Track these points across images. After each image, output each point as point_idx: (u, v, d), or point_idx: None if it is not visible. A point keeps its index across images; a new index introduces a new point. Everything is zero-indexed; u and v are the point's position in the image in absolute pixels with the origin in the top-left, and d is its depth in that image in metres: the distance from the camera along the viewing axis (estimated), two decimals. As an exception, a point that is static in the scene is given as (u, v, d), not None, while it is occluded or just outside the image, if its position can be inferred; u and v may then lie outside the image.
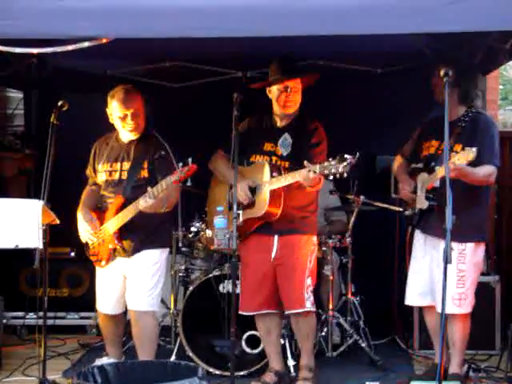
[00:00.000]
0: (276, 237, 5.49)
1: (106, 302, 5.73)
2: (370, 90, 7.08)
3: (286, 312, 5.64)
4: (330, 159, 4.89)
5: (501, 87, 14.94)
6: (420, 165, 5.51)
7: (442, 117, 5.40)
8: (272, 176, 5.33)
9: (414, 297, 5.61)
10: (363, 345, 6.27)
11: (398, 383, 5.54)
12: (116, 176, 5.61)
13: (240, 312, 5.58)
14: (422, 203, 5.34)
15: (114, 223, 5.51)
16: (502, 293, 6.49)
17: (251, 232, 5.54)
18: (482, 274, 6.33)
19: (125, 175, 5.58)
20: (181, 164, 5.13)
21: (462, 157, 4.78)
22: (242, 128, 5.63)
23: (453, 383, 5.14)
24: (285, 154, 5.49)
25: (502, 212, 7.41)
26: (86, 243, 5.70)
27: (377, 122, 6.94)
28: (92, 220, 5.63)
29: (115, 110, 5.52)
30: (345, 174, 4.84)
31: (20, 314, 7.00)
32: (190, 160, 5.09)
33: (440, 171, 5.03)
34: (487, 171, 5.17)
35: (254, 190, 5.44)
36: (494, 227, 7.45)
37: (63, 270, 7.07)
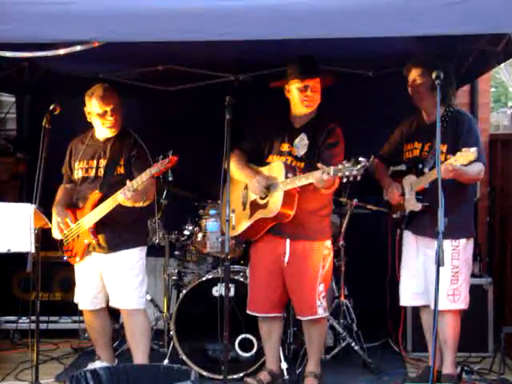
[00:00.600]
0: (288, 241, 5.51)
1: (84, 297, 5.80)
2: (362, 93, 7.09)
3: (297, 317, 5.67)
4: (344, 162, 4.91)
5: (493, 90, 15.00)
6: (402, 167, 5.56)
7: (421, 119, 5.51)
8: (287, 177, 5.33)
9: (408, 297, 5.65)
10: (356, 348, 6.27)
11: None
12: (92, 173, 5.68)
13: (248, 312, 5.67)
14: (414, 205, 5.37)
15: (90, 218, 5.56)
16: (495, 295, 6.51)
17: (262, 234, 5.57)
18: (475, 276, 6.39)
19: (101, 172, 5.65)
20: (161, 156, 5.16)
21: (461, 157, 4.85)
22: (258, 128, 5.70)
23: (446, 385, 5.16)
24: (300, 155, 5.50)
25: (494, 214, 7.42)
26: (61, 240, 5.74)
27: (369, 125, 6.94)
28: (67, 215, 5.68)
29: (95, 107, 5.59)
30: (358, 177, 4.87)
31: (13, 318, 6.98)
32: (170, 152, 5.12)
33: (434, 173, 5.05)
34: (478, 169, 5.24)
35: (268, 190, 5.43)
36: (487, 229, 7.47)
37: (56, 273, 7.05)
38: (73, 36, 4.43)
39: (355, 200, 6.38)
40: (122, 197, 5.35)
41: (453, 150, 5.16)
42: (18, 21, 4.31)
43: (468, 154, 4.81)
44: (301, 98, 5.48)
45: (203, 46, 4.66)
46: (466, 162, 4.85)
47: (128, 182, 5.32)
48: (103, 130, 5.66)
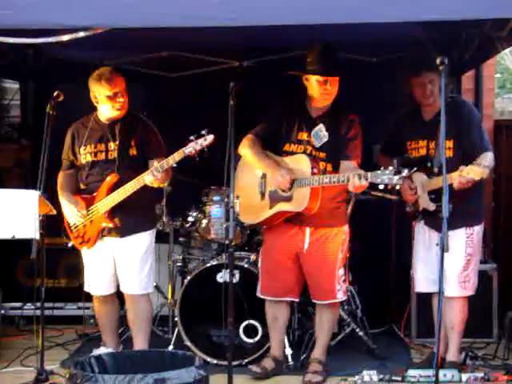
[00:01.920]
0: (308, 229, 5.54)
1: (98, 283, 5.79)
2: (366, 80, 7.06)
3: (315, 301, 5.70)
4: (382, 168, 4.92)
5: (498, 75, 14.94)
6: (406, 156, 5.56)
7: (420, 116, 5.50)
8: (313, 172, 5.32)
9: (424, 284, 5.67)
10: (361, 333, 6.28)
11: (395, 372, 5.55)
12: (102, 156, 5.66)
13: (260, 296, 5.72)
14: (428, 205, 5.41)
15: (108, 201, 5.56)
16: (499, 281, 6.50)
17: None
18: (480, 262, 6.39)
19: (112, 155, 5.63)
20: (194, 136, 5.17)
21: (473, 172, 4.95)
22: (274, 115, 5.66)
23: (450, 371, 5.15)
24: (318, 145, 5.49)
25: (498, 200, 7.41)
26: (68, 227, 5.73)
27: (372, 112, 6.90)
28: (78, 202, 5.67)
29: (104, 89, 5.55)
30: (397, 187, 4.91)
31: (18, 304, 7.00)
32: (205, 131, 5.13)
33: (448, 178, 5.05)
34: (490, 158, 5.32)
35: (292, 184, 5.41)
36: (491, 215, 7.46)
37: (60, 260, 7.05)
38: (76, 22, 4.41)
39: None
40: (150, 177, 5.35)
41: (460, 143, 5.28)
42: (21, 7, 4.30)
43: (480, 171, 4.93)
44: (320, 90, 5.44)
45: (208, 32, 4.65)
46: (477, 177, 4.96)
47: (156, 162, 5.36)
48: (112, 112, 5.61)
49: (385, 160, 5.73)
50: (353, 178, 5.05)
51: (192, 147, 5.19)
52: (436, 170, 5.33)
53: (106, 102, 5.57)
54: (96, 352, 5.73)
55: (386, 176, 4.86)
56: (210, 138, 5.18)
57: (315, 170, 5.34)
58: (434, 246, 5.46)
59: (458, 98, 5.73)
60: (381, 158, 5.83)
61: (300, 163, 5.43)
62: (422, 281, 5.67)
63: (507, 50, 8.57)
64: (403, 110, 5.82)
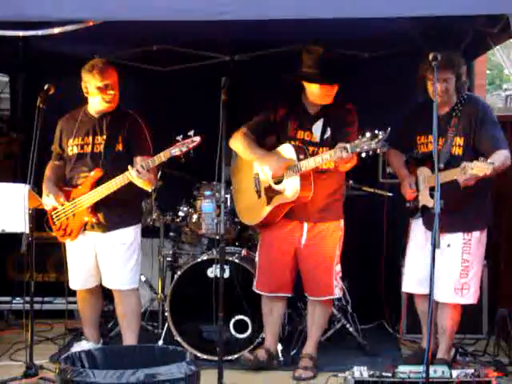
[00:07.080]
0: (305, 224, 5.54)
1: (77, 278, 5.78)
2: (358, 75, 7.05)
3: (310, 298, 5.69)
4: (360, 136, 4.89)
5: (488, 72, 14.95)
6: (415, 152, 5.50)
7: (429, 109, 5.39)
8: (299, 158, 5.31)
9: (411, 284, 5.65)
10: (351, 329, 6.28)
11: (385, 367, 5.55)
12: (88, 149, 5.61)
13: (256, 290, 5.72)
14: (427, 201, 5.35)
15: (91, 196, 5.51)
16: (490, 278, 6.50)
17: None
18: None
19: (98, 149, 5.58)
20: (181, 136, 5.13)
21: (477, 169, 4.79)
22: (269, 110, 5.61)
23: (440, 367, 5.15)
24: (320, 140, 5.46)
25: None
26: (51, 217, 5.69)
27: (364, 107, 6.89)
28: (58, 193, 5.61)
29: (95, 80, 5.50)
30: (378, 150, 4.86)
31: (7, 298, 6.96)
32: (192, 132, 5.09)
33: (452, 173, 5.01)
34: (505, 156, 5.15)
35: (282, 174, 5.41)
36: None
37: (50, 254, 7.01)
38: (67, 15, 4.40)
39: (351, 182, 6.35)
40: (135, 173, 5.30)
41: (472, 141, 5.21)
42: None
43: (484, 167, 4.77)
44: (319, 93, 5.42)
45: (199, 26, 4.63)
46: (481, 174, 4.80)
47: (139, 159, 5.36)
48: (102, 105, 5.57)
49: (395, 155, 5.69)
50: (334, 153, 5.05)
51: (178, 149, 5.16)
52: (442, 165, 5.24)
53: (96, 94, 5.53)
54: (77, 345, 5.78)
55: (363, 143, 4.86)
56: (197, 139, 5.15)
57: (301, 156, 5.33)
58: (428, 245, 5.43)
59: (474, 97, 5.63)
60: (391, 153, 5.74)
61: (285, 152, 5.42)
62: (410, 281, 5.65)
63: (498, 46, 8.56)
64: (412, 105, 5.74)
